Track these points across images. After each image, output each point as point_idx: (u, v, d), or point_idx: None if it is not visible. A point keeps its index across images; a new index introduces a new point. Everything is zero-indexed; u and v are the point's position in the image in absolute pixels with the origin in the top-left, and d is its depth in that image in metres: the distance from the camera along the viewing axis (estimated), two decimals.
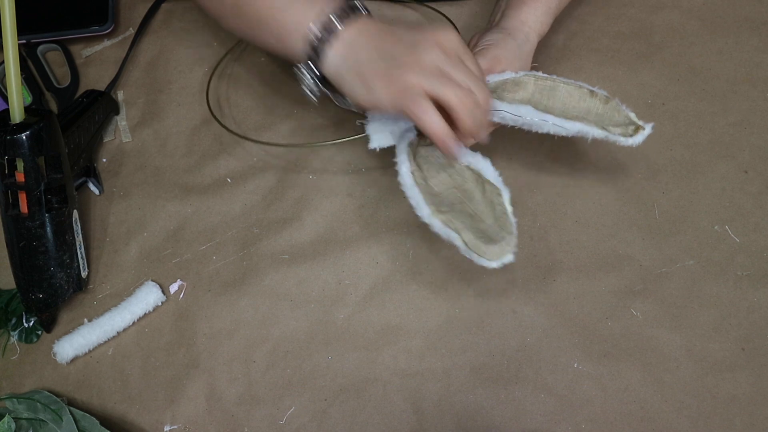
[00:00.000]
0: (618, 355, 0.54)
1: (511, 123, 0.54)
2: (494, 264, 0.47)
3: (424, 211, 0.49)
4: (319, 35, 0.49)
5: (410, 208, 0.61)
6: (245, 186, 0.65)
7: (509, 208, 0.50)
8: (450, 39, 0.49)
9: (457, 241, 0.48)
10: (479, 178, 0.52)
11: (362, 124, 0.55)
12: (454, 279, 0.58)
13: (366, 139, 0.55)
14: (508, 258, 0.47)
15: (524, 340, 0.55)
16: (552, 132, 0.53)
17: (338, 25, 0.49)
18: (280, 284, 0.60)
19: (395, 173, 0.62)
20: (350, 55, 0.49)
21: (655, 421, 0.51)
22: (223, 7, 0.56)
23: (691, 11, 0.69)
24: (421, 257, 0.59)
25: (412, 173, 0.51)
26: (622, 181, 0.61)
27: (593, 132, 0.52)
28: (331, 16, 0.49)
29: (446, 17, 0.69)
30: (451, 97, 0.47)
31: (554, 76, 0.55)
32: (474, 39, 0.61)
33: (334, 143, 0.59)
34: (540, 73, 0.55)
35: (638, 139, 0.51)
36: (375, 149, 0.54)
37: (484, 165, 0.53)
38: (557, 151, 0.63)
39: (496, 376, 0.54)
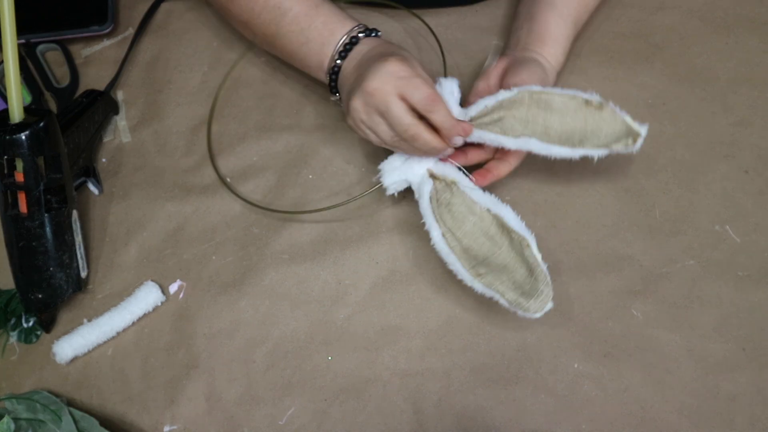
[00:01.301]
0: (618, 356, 0.54)
1: (515, 149, 0.55)
2: (538, 315, 0.51)
3: (465, 276, 0.52)
4: (329, 70, 0.58)
5: (410, 208, 0.61)
6: (245, 186, 0.65)
7: (538, 256, 0.52)
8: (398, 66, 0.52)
9: (501, 300, 0.51)
10: (503, 225, 0.53)
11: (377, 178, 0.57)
12: (454, 279, 0.58)
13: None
14: (549, 306, 0.51)
15: (524, 341, 0.55)
16: (558, 158, 0.54)
17: (339, 61, 0.57)
18: (280, 284, 0.60)
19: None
20: (344, 83, 0.57)
21: (656, 421, 0.51)
22: (254, 36, 0.65)
23: (692, 11, 0.69)
24: (421, 257, 0.59)
25: (444, 236, 0.53)
26: (623, 181, 0.61)
27: (597, 153, 0.53)
28: (335, 54, 0.57)
29: (428, 26, 0.68)
30: (416, 94, 0.51)
31: (548, 89, 0.55)
32: (501, 63, 0.59)
33: (356, 198, 0.61)
34: (534, 87, 0.55)
35: (638, 145, 0.53)
36: (393, 194, 0.58)
37: (505, 211, 0.54)
38: None
39: (496, 377, 0.54)
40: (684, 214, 0.59)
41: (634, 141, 0.52)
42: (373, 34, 0.58)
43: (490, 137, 0.54)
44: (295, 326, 0.58)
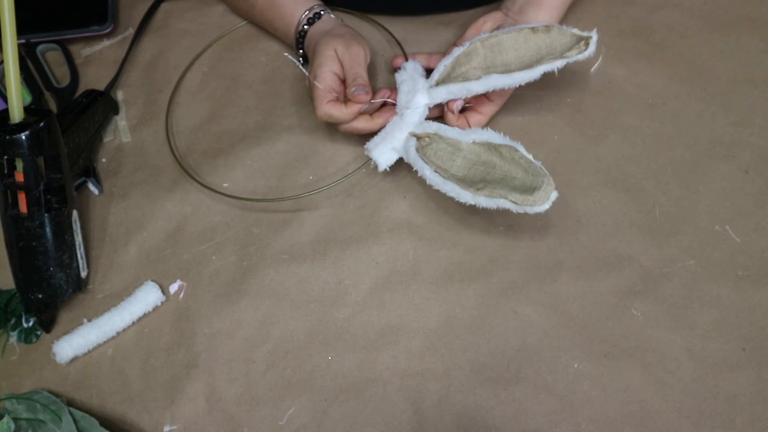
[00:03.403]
0: (618, 355, 0.54)
1: (482, 91, 0.58)
2: (546, 206, 0.52)
3: (467, 195, 0.54)
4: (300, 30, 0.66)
5: (410, 208, 0.61)
6: (245, 186, 0.65)
7: (529, 156, 0.55)
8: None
9: (507, 204, 0.53)
10: (489, 146, 0.56)
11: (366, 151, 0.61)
12: (454, 279, 0.58)
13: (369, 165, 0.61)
14: (554, 195, 0.52)
15: (524, 340, 0.55)
16: (524, 83, 0.57)
17: (307, 27, 0.66)
18: (280, 284, 0.60)
19: (395, 175, 0.62)
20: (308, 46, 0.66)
21: (656, 421, 0.51)
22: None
23: (692, 10, 0.69)
24: (421, 257, 0.59)
25: (437, 172, 0.56)
26: (623, 181, 0.61)
27: (555, 65, 0.57)
28: (303, 19, 0.66)
29: (390, 33, 0.70)
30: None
31: (495, 32, 0.59)
32: (485, 23, 0.64)
33: (345, 178, 0.62)
34: (483, 35, 0.59)
35: (592, 48, 0.56)
36: (386, 170, 0.60)
37: (487, 134, 0.57)
38: (558, 151, 0.63)
39: (496, 376, 0.54)
40: (684, 214, 0.59)
41: (586, 45, 0.56)
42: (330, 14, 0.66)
43: (455, 88, 0.58)
44: (295, 326, 0.58)
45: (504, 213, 0.60)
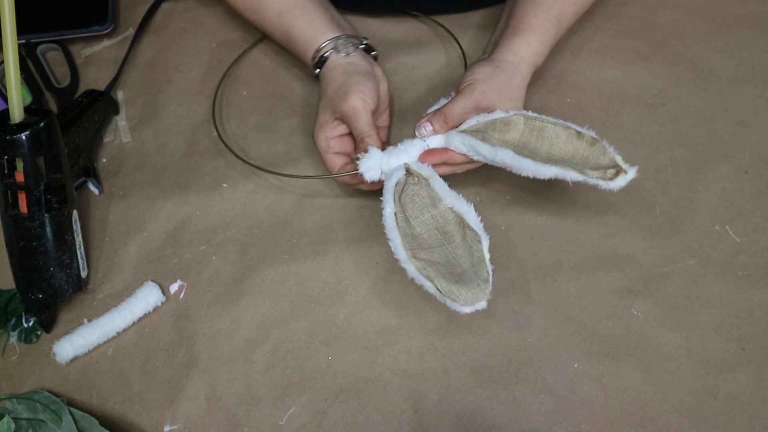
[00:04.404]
0: (618, 355, 0.54)
1: (490, 162, 0.55)
2: (467, 309, 0.48)
3: (401, 255, 0.51)
4: (318, 61, 0.62)
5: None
6: (245, 186, 0.65)
7: (487, 256, 0.51)
8: None
9: (431, 289, 0.49)
10: (461, 222, 0.53)
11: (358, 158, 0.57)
12: None
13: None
14: (481, 305, 0.48)
15: (524, 340, 0.55)
16: (532, 176, 0.52)
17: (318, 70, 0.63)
18: (280, 284, 0.60)
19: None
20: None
21: (656, 421, 0.51)
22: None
23: (692, 10, 0.69)
24: None
25: (395, 215, 0.53)
26: None
27: (570, 175, 0.51)
28: (315, 59, 0.63)
29: (448, 31, 0.68)
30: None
31: (543, 116, 0.55)
32: (466, 71, 0.60)
33: (333, 176, 0.61)
34: (530, 113, 0.55)
35: (619, 183, 0.50)
36: (373, 180, 0.56)
37: (467, 210, 0.53)
38: None
39: (496, 376, 0.54)
40: (684, 214, 0.59)
41: (616, 174, 0.50)
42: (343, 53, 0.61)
43: (468, 140, 0.54)
44: (295, 326, 0.58)
45: (504, 213, 0.60)
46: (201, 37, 0.75)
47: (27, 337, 0.60)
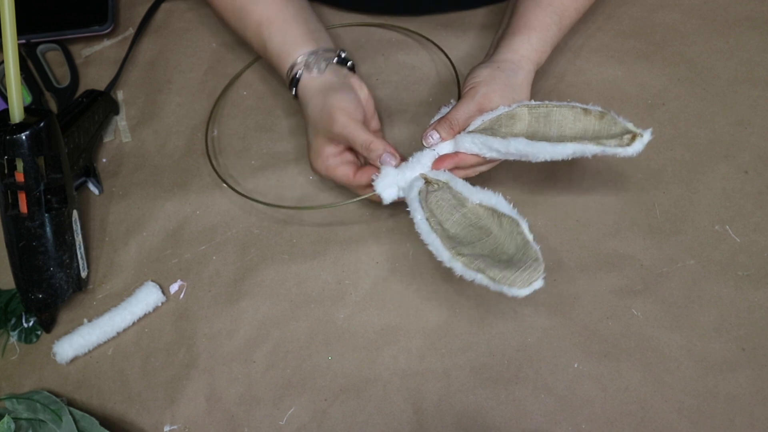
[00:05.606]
0: (618, 355, 0.54)
1: (504, 157, 0.54)
2: (525, 291, 0.46)
3: (444, 255, 0.49)
4: (291, 81, 0.61)
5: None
6: (245, 186, 0.65)
7: (530, 236, 0.49)
8: None
9: (484, 280, 0.47)
10: (494, 213, 0.52)
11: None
12: (454, 279, 0.58)
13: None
14: (538, 284, 0.47)
15: (524, 340, 0.55)
16: (549, 159, 0.52)
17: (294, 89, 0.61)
18: (280, 284, 0.60)
19: None
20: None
21: (655, 421, 0.51)
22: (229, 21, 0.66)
23: (692, 10, 0.69)
24: (421, 257, 0.59)
25: (427, 220, 0.51)
26: (623, 181, 0.61)
27: (588, 149, 0.51)
28: (289, 77, 0.61)
29: (440, 48, 0.68)
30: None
31: (546, 102, 0.54)
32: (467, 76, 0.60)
33: (347, 203, 0.60)
34: (532, 102, 0.55)
35: (637, 147, 0.50)
36: (393, 199, 0.55)
37: (496, 200, 0.52)
38: None
39: (496, 376, 0.54)
40: (684, 214, 0.59)
41: (632, 140, 0.50)
42: (317, 68, 0.59)
43: (479, 139, 0.54)
44: (295, 326, 0.58)
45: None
46: (201, 37, 0.75)
47: (27, 337, 0.60)
